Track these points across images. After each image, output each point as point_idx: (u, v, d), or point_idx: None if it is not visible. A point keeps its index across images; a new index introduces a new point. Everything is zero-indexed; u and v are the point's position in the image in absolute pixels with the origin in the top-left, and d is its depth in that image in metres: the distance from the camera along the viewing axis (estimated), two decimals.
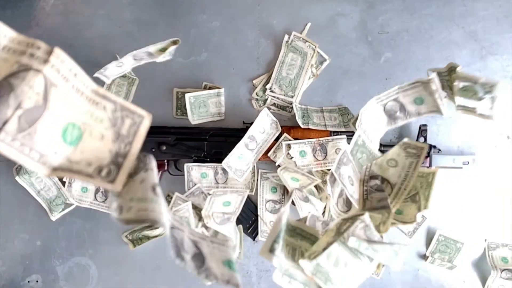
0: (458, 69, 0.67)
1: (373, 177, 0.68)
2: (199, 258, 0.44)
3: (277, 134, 0.95)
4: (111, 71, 0.82)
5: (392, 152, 0.67)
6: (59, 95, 0.35)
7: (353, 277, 0.54)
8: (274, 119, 0.96)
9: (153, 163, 0.38)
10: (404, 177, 0.65)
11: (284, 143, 0.93)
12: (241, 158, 0.94)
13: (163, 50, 0.83)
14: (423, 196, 0.62)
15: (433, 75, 0.67)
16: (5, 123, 0.32)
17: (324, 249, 0.51)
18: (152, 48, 0.82)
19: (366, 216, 0.56)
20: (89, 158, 0.37)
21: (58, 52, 0.35)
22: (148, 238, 0.98)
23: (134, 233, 0.98)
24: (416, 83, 0.69)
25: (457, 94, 0.66)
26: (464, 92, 0.66)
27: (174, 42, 0.81)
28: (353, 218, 0.56)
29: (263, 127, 0.95)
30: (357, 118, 0.68)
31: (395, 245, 0.57)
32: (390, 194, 0.65)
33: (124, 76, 1.01)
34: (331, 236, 0.55)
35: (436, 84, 0.67)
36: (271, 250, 0.52)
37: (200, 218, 0.92)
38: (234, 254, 0.49)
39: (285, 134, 0.95)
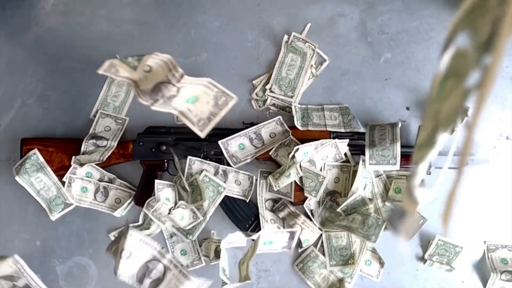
0: None
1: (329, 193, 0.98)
2: (156, 283, 0.62)
3: (286, 141, 0.95)
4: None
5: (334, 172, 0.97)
6: (185, 89, 0.65)
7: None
8: (287, 128, 0.96)
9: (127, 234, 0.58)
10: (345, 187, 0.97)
11: (295, 148, 0.91)
12: (242, 148, 0.95)
13: None
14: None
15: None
16: (156, 101, 0.64)
17: None
18: None
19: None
20: (197, 112, 0.67)
21: (186, 77, 0.64)
22: None
23: None
24: None
25: None
26: None
27: None
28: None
29: (275, 133, 0.96)
30: None
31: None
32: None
33: None
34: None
35: None
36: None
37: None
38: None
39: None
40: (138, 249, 0.59)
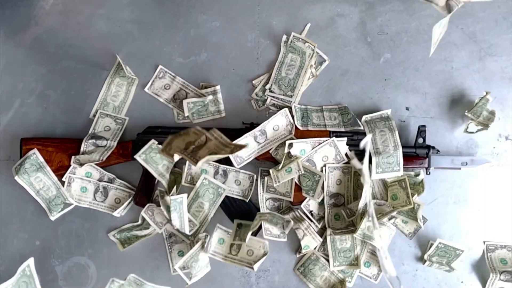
0: None
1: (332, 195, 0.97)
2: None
3: (288, 137, 0.95)
4: None
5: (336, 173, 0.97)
6: (212, 142, 0.77)
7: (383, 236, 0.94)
8: (292, 122, 0.96)
9: None
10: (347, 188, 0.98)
11: (287, 142, 0.93)
12: (246, 146, 0.95)
13: None
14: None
15: None
16: (185, 149, 0.76)
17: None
18: None
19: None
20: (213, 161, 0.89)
21: (212, 131, 0.78)
22: (137, 237, 0.98)
23: (122, 233, 0.98)
24: None
25: None
26: None
27: None
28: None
29: (278, 125, 0.95)
30: None
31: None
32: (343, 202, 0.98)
33: (124, 76, 1.02)
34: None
35: None
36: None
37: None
38: None
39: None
40: None
